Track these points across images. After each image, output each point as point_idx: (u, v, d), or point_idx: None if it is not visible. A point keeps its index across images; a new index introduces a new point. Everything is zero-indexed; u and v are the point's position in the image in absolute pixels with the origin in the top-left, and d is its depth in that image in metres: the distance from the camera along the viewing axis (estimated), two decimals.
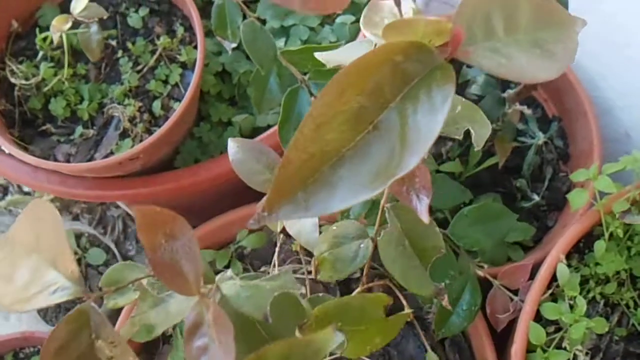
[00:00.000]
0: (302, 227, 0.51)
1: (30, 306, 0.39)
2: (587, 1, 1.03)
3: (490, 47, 0.34)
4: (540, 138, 1.13)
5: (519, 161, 1.13)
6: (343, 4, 0.36)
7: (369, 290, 0.59)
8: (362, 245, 0.52)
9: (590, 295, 0.90)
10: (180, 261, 0.38)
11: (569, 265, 0.90)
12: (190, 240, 0.39)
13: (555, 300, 0.89)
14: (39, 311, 0.97)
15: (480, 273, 0.90)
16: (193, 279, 0.38)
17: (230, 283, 0.42)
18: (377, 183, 0.32)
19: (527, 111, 1.01)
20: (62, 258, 0.39)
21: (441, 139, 1.14)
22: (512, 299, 0.90)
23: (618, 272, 0.89)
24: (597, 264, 0.90)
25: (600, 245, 0.88)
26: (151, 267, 0.39)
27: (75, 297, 0.39)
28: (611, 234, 0.89)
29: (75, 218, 1.30)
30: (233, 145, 0.55)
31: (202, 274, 0.38)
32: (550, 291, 0.89)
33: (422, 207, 0.39)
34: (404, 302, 0.56)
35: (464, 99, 0.48)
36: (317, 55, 0.48)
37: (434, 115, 0.32)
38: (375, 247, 0.51)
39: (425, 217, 0.38)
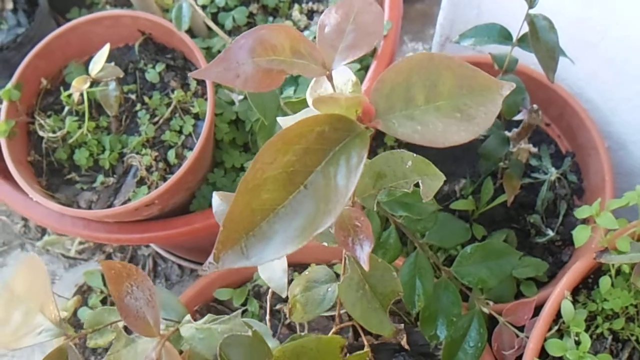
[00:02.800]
0: (273, 273, 0.55)
1: (20, 345, 0.45)
2: (589, 40, 1.06)
3: (407, 115, 0.38)
4: (553, 174, 1.14)
5: (533, 197, 1.15)
6: (275, 85, 0.42)
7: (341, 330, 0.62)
8: (329, 289, 0.56)
9: (598, 331, 0.90)
10: (143, 307, 0.43)
11: (576, 301, 0.91)
12: (150, 290, 0.44)
13: (561, 337, 0.90)
14: None
15: (486, 310, 0.91)
16: (153, 322, 0.43)
17: (188, 326, 0.47)
18: (303, 237, 0.36)
19: (534, 149, 1.03)
20: (47, 305, 0.45)
21: (454, 178, 1.17)
22: (517, 335, 0.91)
23: (627, 308, 0.89)
24: (604, 299, 0.90)
25: (605, 281, 0.88)
26: (119, 312, 0.44)
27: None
28: (620, 270, 0.89)
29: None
30: (217, 198, 0.60)
31: (160, 318, 0.43)
32: (557, 327, 0.90)
33: (364, 255, 0.43)
34: (365, 341, 0.60)
35: (415, 154, 0.51)
36: (278, 119, 0.53)
37: (350, 179, 0.36)
38: None
39: (366, 265, 0.41)
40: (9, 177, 0.94)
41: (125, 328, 0.47)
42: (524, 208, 1.15)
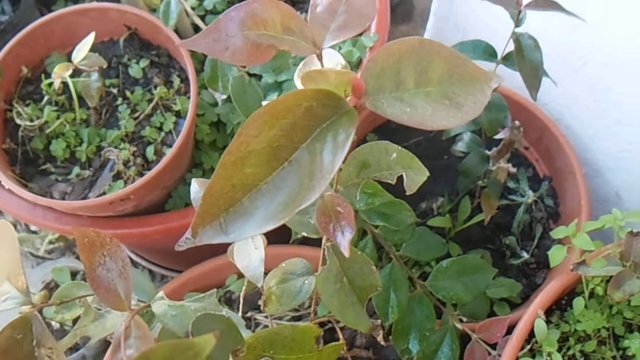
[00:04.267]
0: (250, 262, 0.54)
1: None
2: (572, 66, 1.07)
3: (397, 97, 0.37)
4: (530, 196, 1.15)
5: (509, 219, 1.15)
6: (264, 59, 0.41)
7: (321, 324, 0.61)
8: (306, 282, 0.55)
9: (570, 352, 0.90)
10: (115, 279, 0.42)
11: (549, 322, 0.90)
12: (124, 261, 0.42)
13: (534, 357, 0.89)
14: None
15: (459, 326, 0.91)
16: (124, 296, 0.41)
17: (160, 303, 0.46)
18: (286, 213, 0.35)
19: (513, 169, 1.04)
20: (15, 273, 0.43)
21: (432, 196, 1.17)
22: (490, 353, 0.90)
23: (599, 330, 0.89)
24: (577, 321, 0.90)
25: (579, 302, 0.88)
26: (90, 283, 0.42)
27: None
28: (594, 292, 0.89)
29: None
30: (195, 185, 0.59)
31: (131, 292, 0.41)
32: (529, 346, 0.89)
33: (344, 241, 0.42)
34: (340, 334, 0.59)
35: (400, 147, 0.51)
36: (263, 102, 0.53)
37: (336, 155, 0.35)
38: None
39: (346, 251, 0.41)
40: None
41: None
42: (500, 229, 1.16)
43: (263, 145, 0.36)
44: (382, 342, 0.58)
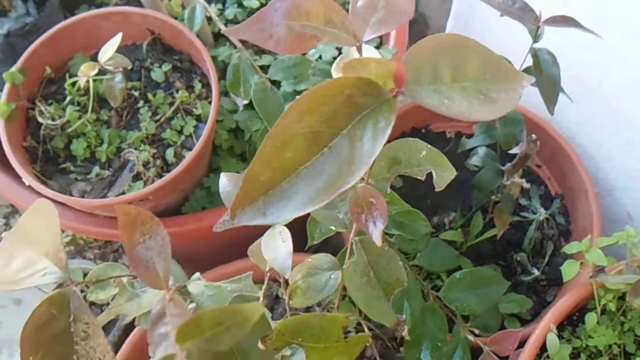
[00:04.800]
0: (278, 254, 0.55)
1: (22, 284, 0.44)
2: (587, 84, 1.08)
3: (435, 89, 0.39)
4: (542, 214, 1.15)
5: (520, 235, 1.16)
6: (306, 48, 0.42)
7: None
8: (332, 276, 0.56)
9: None
10: (154, 258, 0.42)
11: (561, 337, 0.90)
12: (164, 240, 0.43)
13: None
14: None
15: (471, 338, 0.91)
16: (163, 274, 0.42)
17: (197, 283, 0.47)
18: (324, 196, 0.36)
19: (526, 185, 1.04)
20: (54, 249, 0.44)
21: (445, 210, 1.17)
22: None
23: (610, 347, 0.89)
24: (589, 336, 0.90)
25: (591, 318, 0.88)
26: (129, 261, 0.43)
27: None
28: (606, 309, 0.89)
29: (90, 261, 1.34)
30: (224, 179, 0.60)
31: (170, 270, 0.42)
32: None
33: (376, 232, 0.43)
34: (365, 327, 0.59)
35: (429, 145, 0.52)
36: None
37: (377, 141, 0.37)
38: None
39: (378, 240, 0.41)
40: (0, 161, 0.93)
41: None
42: (511, 245, 1.16)
43: (305, 130, 0.37)
44: (407, 337, 0.59)
